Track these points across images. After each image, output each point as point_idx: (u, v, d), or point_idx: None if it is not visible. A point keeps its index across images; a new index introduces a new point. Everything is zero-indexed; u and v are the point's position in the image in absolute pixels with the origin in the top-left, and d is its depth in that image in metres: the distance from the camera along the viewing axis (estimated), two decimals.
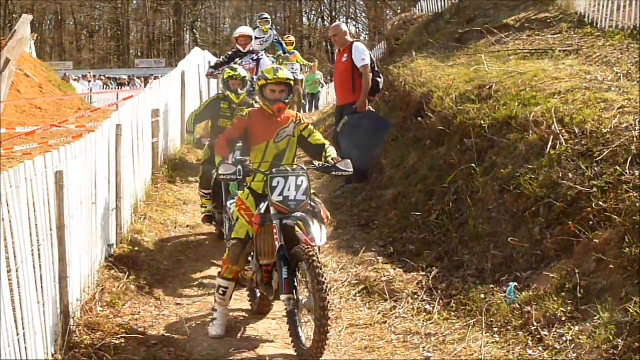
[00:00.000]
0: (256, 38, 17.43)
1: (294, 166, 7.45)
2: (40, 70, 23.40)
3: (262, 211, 7.11)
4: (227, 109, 10.60)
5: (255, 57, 13.94)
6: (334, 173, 7.44)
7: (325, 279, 6.52)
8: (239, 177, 7.19)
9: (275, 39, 20.43)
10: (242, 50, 13.84)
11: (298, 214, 6.97)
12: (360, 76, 11.86)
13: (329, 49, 59.33)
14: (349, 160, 7.39)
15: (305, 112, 24.15)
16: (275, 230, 6.99)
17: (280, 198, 7.04)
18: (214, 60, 20.88)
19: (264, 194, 7.26)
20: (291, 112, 7.73)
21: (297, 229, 6.80)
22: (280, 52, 20.43)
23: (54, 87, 23.10)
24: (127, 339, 7.08)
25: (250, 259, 7.52)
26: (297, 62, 22.08)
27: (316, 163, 7.61)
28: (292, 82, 7.50)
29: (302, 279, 6.88)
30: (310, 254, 6.57)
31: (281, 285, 6.89)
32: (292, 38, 24.06)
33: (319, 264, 6.53)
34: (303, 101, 24.32)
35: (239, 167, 7.16)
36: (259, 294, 7.99)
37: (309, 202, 7.18)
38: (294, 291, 6.89)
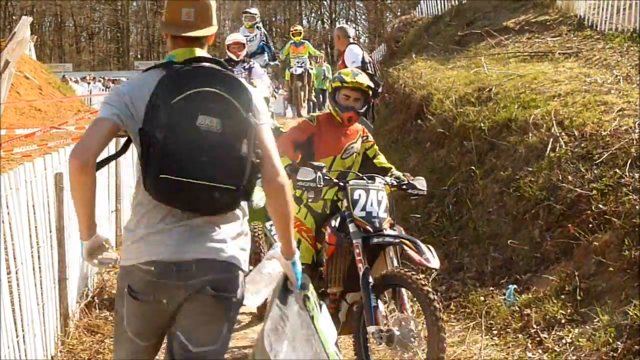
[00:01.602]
0: None
1: (373, 179, 6.32)
2: (40, 72, 23.38)
3: (335, 227, 6.16)
4: None
5: (247, 66, 12.92)
6: (410, 191, 6.51)
7: (441, 312, 5.36)
8: (319, 186, 6.08)
9: (263, 41, 18.06)
10: (235, 59, 12.82)
11: (393, 232, 6.04)
12: None
13: (329, 50, 59.29)
14: (422, 178, 6.59)
15: (312, 111, 22.02)
16: (357, 251, 5.88)
17: (363, 213, 6.01)
18: None
19: (324, 214, 6.53)
20: (358, 125, 6.79)
21: (405, 247, 5.79)
22: (267, 57, 17.42)
23: (53, 89, 23.07)
24: None
25: None
26: (309, 52, 20.74)
27: (388, 179, 6.47)
28: (370, 91, 6.64)
29: (392, 308, 5.86)
30: (416, 277, 5.44)
31: (370, 315, 5.63)
32: (300, 27, 22.11)
33: (429, 290, 5.38)
34: (313, 97, 22.41)
35: (319, 173, 6.05)
36: None
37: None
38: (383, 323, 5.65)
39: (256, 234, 7.70)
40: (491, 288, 7.70)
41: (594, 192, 7.41)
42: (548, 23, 14.01)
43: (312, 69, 20.89)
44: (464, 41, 15.21)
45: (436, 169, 10.30)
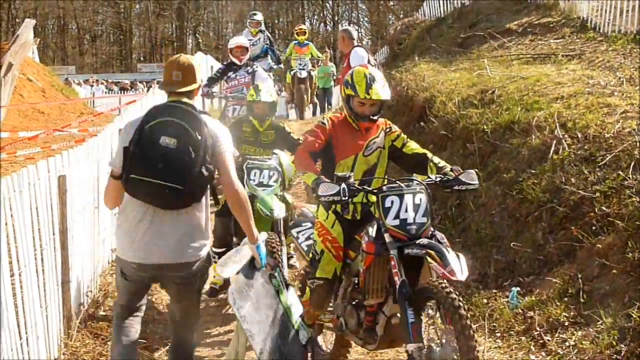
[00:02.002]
0: None
1: (409, 181, 5.84)
2: (43, 74, 23.43)
3: (373, 236, 5.69)
4: (250, 132, 8.73)
5: (250, 70, 12.60)
6: (456, 187, 5.93)
7: (472, 324, 5.06)
8: (343, 199, 5.61)
9: (267, 44, 17.65)
10: (238, 63, 12.60)
11: (424, 241, 5.50)
12: None
13: (332, 52, 59.36)
14: (473, 171, 6.03)
15: (315, 112, 21.85)
16: (393, 262, 5.49)
17: (397, 222, 5.58)
18: (216, 65, 20.64)
19: (354, 220, 6.14)
20: (380, 120, 6.32)
21: (428, 259, 5.33)
22: (271, 61, 17.18)
23: (56, 91, 23.13)
24: None
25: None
26: (312, 54, 20.24)
27: (432, 176, 5.96)
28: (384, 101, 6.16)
29: (430, 322, 5.49)
30: (448, 290, 5.09)
31: (407, 332, 5.32)
32: (305, 27, 21.75)
33: (461, 304, 5.02)
34: (315, 99, 21.57)
35: (343, 185, 5.59)
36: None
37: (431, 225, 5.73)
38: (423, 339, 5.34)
39: (273, 246, 7.42)
40: (494, 290, 7.70)
41: (597, 194, 7.41)
42: (551, 25, 14.00)
43: (313, 70, 20.32)
44: (466, 43, 15.21)
45: None
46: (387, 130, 6.34)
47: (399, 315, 5.54)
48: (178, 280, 5.39)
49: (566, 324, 6.56)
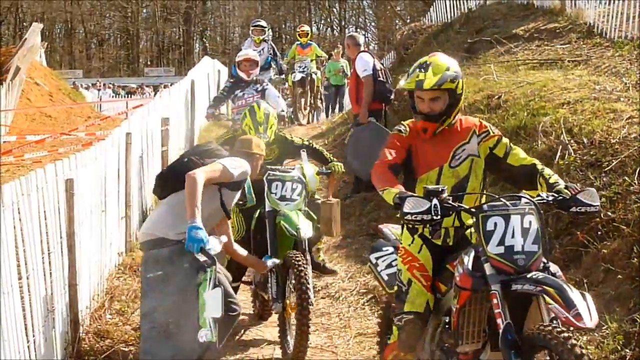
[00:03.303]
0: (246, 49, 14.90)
1: (516, 199, 4.71)
2: (50, 78, 23.51)
3: (469, 267, 4.63)
4: None
5: (260, 88, 11.36)
6: (574, 210, 4.77)
7: None
8: (435, 217, 4.53)
9: (271, 53, 16.89)
10: (246, 78, 11.37)
11: (538, 275, 4.39)
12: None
13: (343, 50, 59.35)
14: (593, 189, 4.92)
15: (326, 113, 21.23)
16: (496, 300, 4.41)
17: (501, 250, 4.49)
18: (223, 69, 20.59)
19: (444, 244, 5.17)
20: (470, 119, 5.39)
21: (546, 299, 4.25)
22: (272, 74, 16.65)
23: (64, 95, 23.20)
24: (136, 346, 7.11)
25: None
26: (316, 54, 19.48)
27: (543, 194, 4.82)
28: (453, 86, 5.10)
29: None
30: (565, 336, 4.05)
31: None
32: (306, 28, 20.56)
33: (584, 353, 4.02)
34: (321, 98, 20.57)
35: (435, 201, 4.53)
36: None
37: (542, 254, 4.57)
38: None
39: (299, 265, 6.74)
40: None
41: (603, 199, 7.40)
42: (557, 31, 14.00)
43: (316, 73, 19.47)
44: (473, 48, 15.22)
45: None
46: (483, 134, 5.27)
47: None
48: None
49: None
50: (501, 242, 4.49)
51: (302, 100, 19.15)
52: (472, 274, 4.58)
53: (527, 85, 10.73)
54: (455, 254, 4.96)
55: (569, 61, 11.97)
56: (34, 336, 5.67)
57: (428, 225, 4.80)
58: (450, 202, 4.66)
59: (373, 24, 71.27)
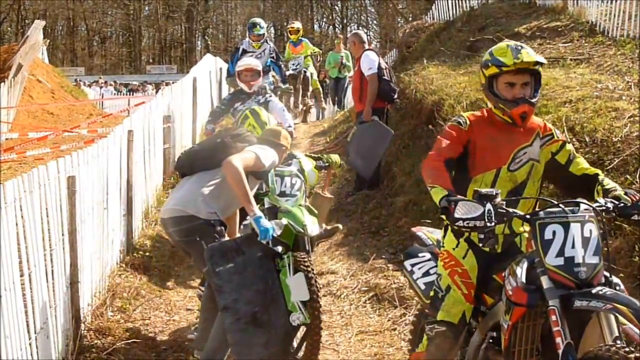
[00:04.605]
0: (244, 51, 14.66)
1: (573, 205, 4.28)
2: (52, 75, 23.50)
3: (523, 280, 4.22)
4: None
5: (262, 100, 10.16)
6: (636, 217, 4.45)
7: None
8: (488, 224, 4.15)
9: (272, 57, 15.19)
10: (247, 90, 10.20)
11: (606, 291, 3.98)
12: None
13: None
14: None
15: (326, 107, 20.62)
16: (554, 318, 3.99)
17: (561, 261, 4.10)
18: (225, 67, 20.40)
19: (493, 251, 4.74)
20: (534, 119, 4.92)
21: (620, 318, 3.89)
22: (271, 80, 15.12)
23: (65, 92, 23.19)
24: (138, 343, 7.12)
25: None
26: (307, 51, 18.93)
27: (602, 200, 4.44)
28: (540, 67, 4.68)
29: None
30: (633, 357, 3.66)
31: None
32: (297, 25, 19.93)
33: None
34: (308, 100, 19.62)
35: (489, 206, 4.15)
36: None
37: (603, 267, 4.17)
38: None
39: (307, 266, 6.36)
40: None
41: None
42: (560, 29, 13.99)
43: (306, 69, 18.78)
44: (475, 47, 15.19)
45: None
46: (546, 137, 4.85)
47: None
48: None
49: None
50: (560, 253, 4.11)
51: (292, 99, 18.62)
52: (527, 288, 4.18)
53: None
54: (503, 263, 4.59)
55: (571, 60, 11.95)
56: (35, 333, 5.68)
57: (479, 231, 4.27)
58: (504, 207, 4.26)
59: (375, 22, 71.28)
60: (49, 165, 6.24)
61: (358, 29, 65.82)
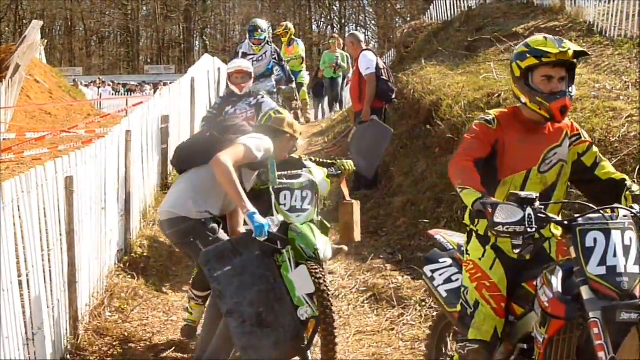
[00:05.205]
0: (244, 54, 13.99)
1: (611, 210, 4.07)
2: (50, 75, 23.48)
3: (559, 290, 3.99)
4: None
5: (254, 102, 9.81)
6: None
7: None
8: (529, 230, 3.89)
9: (274, 58, 14.56)
10: (237, 93, 9.78)
11: None
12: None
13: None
14: None
15: (310, 117, 20.00)
16: (597, 331, 3.76)
17: (603, 270, 3.84)
18: (223, 67, 20.35)
19: (521, 259, 4.42)
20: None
21: None
22: (274, 83, 14.12)
23: (63, 92, 23.17)
24: (136, 344, 7.13)
25: None
26: (297, 52, 18.42)
27: (636, 206, 4.14)
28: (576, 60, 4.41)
29: None
30: None
31: None
32: (287, 24, 19.30)
33: None
34: (304, 107, 18.81)
35: (529, 210, 3.91)
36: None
37: None
38: None
39: (319, 277, 6.09)
40: None
41: None
42: (557, 29, 13.97)
43: (297, 74, 17.82)
44: (473, 47, 15.20)
45: (445, 175, 10.21)
46: (574, 137, 4.62)
47: None
48: None
49: None
50: (602, 262, 3.85)
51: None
52: (565, 299, 3.94)
53: None
54: (532, 270, 4.36)
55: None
56: (33, 333, 5.67)
57: (518, 238, 3.94)
58: (544, 212, 4.01)
59: (373, 22, 71.30)
60: (47, 165, 6.24)
61: (356, 29, 65.94)
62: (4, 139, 15.34)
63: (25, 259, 5.64)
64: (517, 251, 4.00)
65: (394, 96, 12.21)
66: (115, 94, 42.69)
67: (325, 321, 6.01)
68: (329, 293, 6.07)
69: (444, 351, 5.34)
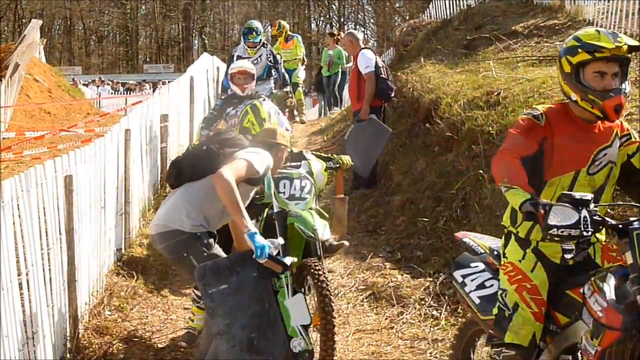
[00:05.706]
0: (239, 57, 13.62)
1: None
2: (49, 75, 23.48)
3: (614, 298, 3.73)
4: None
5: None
6: None
7: None
8: (585, 234, 3.69)
9: (270, 60, 14.38)
10: (240, 94, 9.66)
11: None
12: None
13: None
14: None
15: (305, 119, 19.67)
16: None
17: None
18: (222, 66, 20.30)
19: (564, 263, 4.21)
20: None
21: None
22: (272, 85, 14.12)
23: (63, 91, 23.17)
24: (135, 343, 7.13)
25: None
26: (296, 50, 18.18)
27: None
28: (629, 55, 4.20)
29: None
30: None
31: None
32: (281, 22, 19.20)
33: None
34: (299, 108, 18.65)
35: (584, 213, 3.70)
36: None
37: None
38: None
39: (320, 275, 6.14)
40: None
41: None
42: (557, 27, 13.99)
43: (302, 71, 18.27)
44: (472, 45, 15.21)
45: (444, 173, 10.30)
46: (624, 137, 4.36)
47: None
48: None
49: None
50: None
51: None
52: (621, 309, 3.66)
53: (526, 82, 10.71)
54: (577, 276, 4.15)
55: None
56: (33, 332, 5.67)
57: (571, 242, 3.75)
58: (599, 214, 3.79)
59: (372, 20, 71.26)
60: (46, 164, 6.23)
61: (355, 27, 65.95)
62: (3, 138, 15.35)
63: (25, 258, 5.64)
64: (568, 256, 3.81)
65: (393, 95, 12.21)
66: (115, 93, 42.66)
67: (325, 319, 6.01)
68: (329, 295, 6.05)
69: (471, 356, 5.14)
